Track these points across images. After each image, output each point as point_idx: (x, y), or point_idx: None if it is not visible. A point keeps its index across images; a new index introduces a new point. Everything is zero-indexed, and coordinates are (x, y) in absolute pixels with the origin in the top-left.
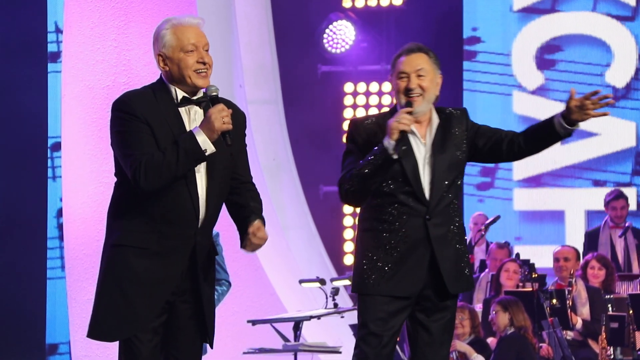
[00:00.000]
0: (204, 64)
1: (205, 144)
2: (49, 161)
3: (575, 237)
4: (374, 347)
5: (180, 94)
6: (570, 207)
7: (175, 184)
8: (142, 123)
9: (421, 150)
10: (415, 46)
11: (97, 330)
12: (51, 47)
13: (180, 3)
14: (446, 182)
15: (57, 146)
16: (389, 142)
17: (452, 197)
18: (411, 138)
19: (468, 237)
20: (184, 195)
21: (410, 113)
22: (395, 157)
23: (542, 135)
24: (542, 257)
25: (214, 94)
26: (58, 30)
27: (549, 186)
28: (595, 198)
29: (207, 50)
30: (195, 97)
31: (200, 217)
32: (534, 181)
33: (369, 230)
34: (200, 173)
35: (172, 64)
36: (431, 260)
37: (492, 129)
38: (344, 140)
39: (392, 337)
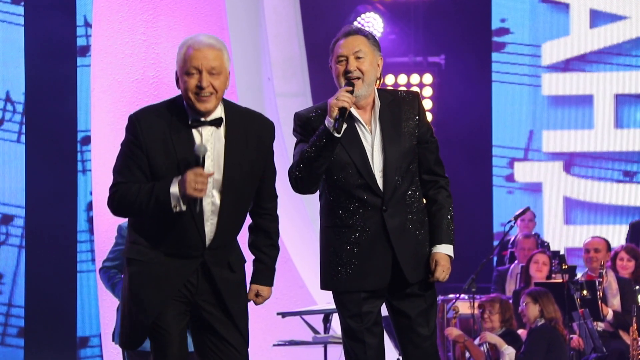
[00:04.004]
0: (201, 88)
1: (176, 200)
2: (79, 155)
3: (605, 122)
4: (359, 341)
5: (192, 114)
6: (599, 91)
7: None
8: (139, 150)
9: (368, 138)
10: (352, 29)
11: (125, 341)
12: (80, 42)
13: None
14: (400, 171)
15: (86, 140)
16: (329, 121)
17: (407, 184)
18: (356, 126)
19: (513, 235)
20: (186, 219)
21: (350, 92)
22: (336, 134)
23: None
24: (569, 142)
25: (202, 155)
26: (87, 25)
27: (578, 71)
28: (624, 82)
29: (215, 74)
30: (209, 118)
31: (207, 239)
32: (562, 66)
33: (330, 227)
34: (214, 195)
35: (180, 84)
36: (394, 251)
37: (428, 153)
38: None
39: (374, 326)
